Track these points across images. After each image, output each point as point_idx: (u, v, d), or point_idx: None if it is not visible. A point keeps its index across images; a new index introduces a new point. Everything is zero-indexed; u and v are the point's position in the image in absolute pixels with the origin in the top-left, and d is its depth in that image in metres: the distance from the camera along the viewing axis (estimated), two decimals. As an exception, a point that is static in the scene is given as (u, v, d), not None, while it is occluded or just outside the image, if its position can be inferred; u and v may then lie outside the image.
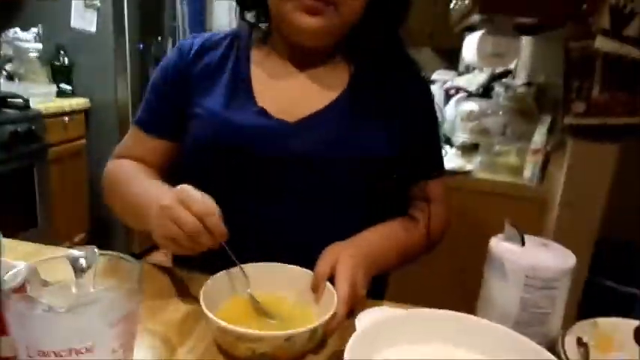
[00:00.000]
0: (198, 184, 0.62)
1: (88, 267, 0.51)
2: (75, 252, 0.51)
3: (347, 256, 0.62)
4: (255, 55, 0.77)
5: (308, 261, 0.62)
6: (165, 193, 0.60)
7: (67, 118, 2.32)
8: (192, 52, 0.77)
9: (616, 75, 1.31)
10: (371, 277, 0.65)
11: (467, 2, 1.59)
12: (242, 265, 0.61)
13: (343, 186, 0.71)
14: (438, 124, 0.85)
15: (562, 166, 1.48)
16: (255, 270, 0.62)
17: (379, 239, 0.71)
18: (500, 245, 0.56)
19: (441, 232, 0.81)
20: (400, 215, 0.77)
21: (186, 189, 0.58)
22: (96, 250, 0.51)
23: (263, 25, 0.79)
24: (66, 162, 2.36)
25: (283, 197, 0.70)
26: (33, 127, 2.07)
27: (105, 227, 2.63)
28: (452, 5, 2.01)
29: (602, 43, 1.23)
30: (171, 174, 0.79)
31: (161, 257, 2.79)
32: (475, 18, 1.60)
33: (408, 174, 0.76)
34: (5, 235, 0.72)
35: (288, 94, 0.74)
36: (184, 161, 0.77)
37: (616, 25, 1.22)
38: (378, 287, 0.76)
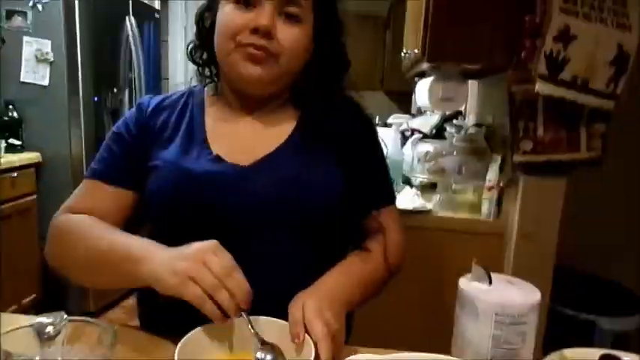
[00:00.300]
0: (160, 235, 0.64)
1: (56, 335, 0.49)
2: (42, 319, 0.49)
3: (311, 300, 0.64)
4: (209, 107, 0.83)
5: (274, 303, 0.62)
6: (168, 247, 0.60)
7: (15, 174, 2.22)
8: (151, 108, 0.82)
9: (557, 115, 1.42)
10: (342, 316, 0.66)
11: (416, 51, 1.69)
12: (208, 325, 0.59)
13: (300, 223, 0.74)
14: (383, 157, 0.89)
15: (515, 201, 1.55)
16: (224, 329, 0.60)
17: (340, 278, 0.73)
18: (469, 285, 0.58)
19: (399, 258, 0.85)
20: (356, 245, 0.81)
21: (216, 244, 0.60)
22: (65, 316, 0.49)
23: (214, 77, 0.85)
24: (14, 220, 2.25)
25: (243, 239, 0.71)
26: (-21, 185, 1.97)
27: (57, 287, 2.48)
28: (402, 54, 2.12)
29: (541, 87, 1.34)
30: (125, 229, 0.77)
31: (119, 315, 2.65)
32: (424, 66, 1.70)
33: (359, 205, 0.80)
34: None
35: (240, 138, 0.78)
36: (145, 214, 0.77)
37: (551, 70, 1.33)
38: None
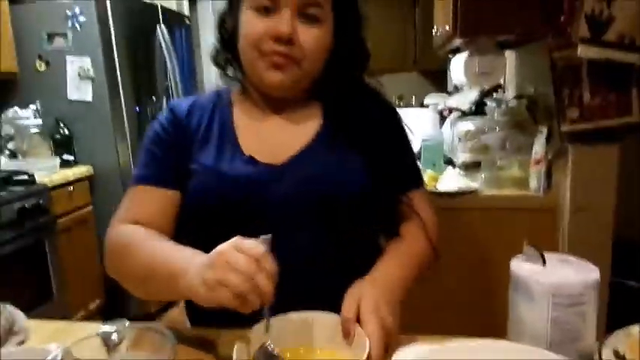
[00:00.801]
0: (201, 237, 0.66)
1: (120, 341, 0.51)
2: (106, 328, 0.51)
3: (368, 293, 0.65)
4: (236, 107, 0.85)
5: (323, 298, 0.63)
6: (204, 255, 0.60)
7: (71, 188, 2.35)
8: (184, 109, 0.84)
9: (603, 78, 1.34)
10: (397, 306, 0.67)
11: (447, 28, 1.64)
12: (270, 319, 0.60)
13: (340, 216, 0.75)
14: (408, 140, 0.89)
15: (566, 172, 1.49)
16: (281, 323, 0.61)
17: (393, 266, 0.75)
18: (522, 267, 0.56)
19: (437, 236, 0.87)
20: (390, 231, 0.83)
21: (240, 239, 0.58)
22: (127, 323, 0.52)
23: (240, 78, 0.86)
24: (74, 231, 2.38)
25: (285, 238, 0.68)
26: (40, 201, 2.09)
27: (119, 291, 2.61)
28: (434, 32, 2.07)
29: (584, 51, 1.27)
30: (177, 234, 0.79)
31: (177, 316, 2.76)
32: (457, 41, 1.65)
33: (388, 191, 0.81)
34: (23, 311, 0.72)
35: (269, 137, 0.81)
36: (185, 219, 0.79)
37: (595, 32, 1.26)
38: None
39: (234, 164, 0.77)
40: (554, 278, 0.53)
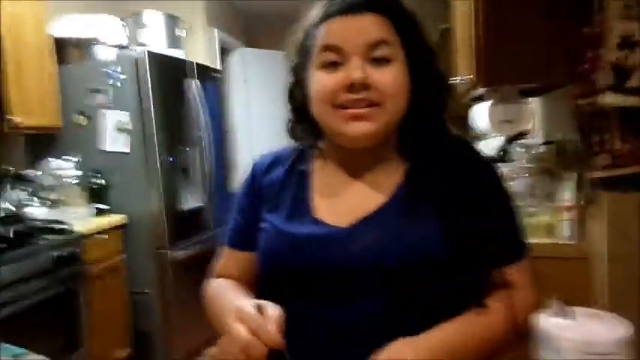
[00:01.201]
0: (272, 294, 0.67)
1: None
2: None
3: (403, 352, 0.61)
4: (316, 165, 0.82)
5: None
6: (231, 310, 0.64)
7: (105, 236, 2.42)
8: (263, 169, 0.84)
9: (632, 125, 1.33)
10: None
11: (470, 76, 1.67)
12: None
13: (406, 285, 0.69)
14: (508, 203, 0.78)
15: (600, 219, 1.44)
16: None
17: (449, 330, 0.67)
18: (549, 322, 0.55)
19: (526, 314, 0.71)
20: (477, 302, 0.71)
21: (242, 305, 0.63)
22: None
23: (318, 146, 0.82)
24: (106, 279, 2.42)
25: (348, 302, 0.70)
26: (74, 250, 2.16)
27: (146, 339, 2.62)
28: (457, 79, 2.10)
29: (609, 99, 1.26)
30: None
31: (204, 364, 2.73)
32: (480, 90, 1.67)
33: (480, 262, 0.71)
34: None
35: (343, 200, 0.77)
36: (258, 274, 0.80)
37: (618, 79, 1.26)
38: None
39: (302, 226, 0.75)
40: (585, 334, 0.51)
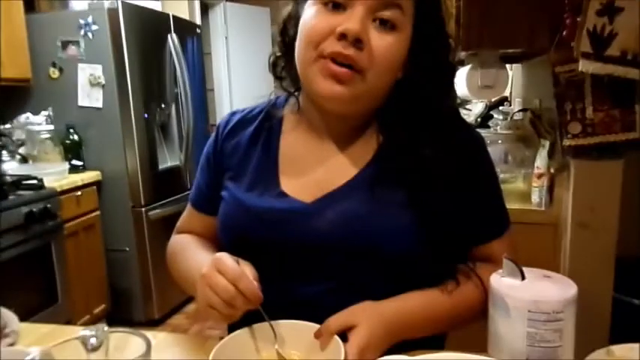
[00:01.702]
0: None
1: (99, 345, 0.52)
2: (86, 332, 0.52)
3: (366, 326, 0.60)
4: (286, 125, 0.76)
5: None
6: (206, 262, 0.63)
7: (79, 193, 2.38)
8: (226, 131, 0.79)
9: (606, 94, 1.34)
10: (386, 346, 0.62)
11: (450, 41, 1.65)
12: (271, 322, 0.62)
13: (368, 265, 0.66)
14: (494, 177, 0.75)
15: (568, 187, 1.47)
16: (262, 328, 0.63)
17: (410, 306, 0.65)
18: (500, 282, 0.56)
19: None
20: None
21: (223, 256, 0.61)
22: (105, 327, 0.53)
23: (295, 94, 0.77)
24: (81, 236, 2.41)
25: (308, 278, 0.68)
26: (48, 206, 2.13)
27: (124, 296, 2.64)
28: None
29: (585, 66, 1.26)
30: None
31: (180, 321, 2.77)
32: (460, 54, 1.66)
33: (463, 241, 0.69)
34: (28, 315, 0.74)
35: (312, 172, 0.72)
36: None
37: (597, 47, 1.25)
38: (437, 338, 0.73)
39: (263, 197, 0.71)
40: (532, 294, 0.53)
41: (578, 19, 1.28)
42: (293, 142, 0.75)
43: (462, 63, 1.94)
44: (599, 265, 1.43)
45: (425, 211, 0.65)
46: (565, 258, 1.47)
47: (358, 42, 0.60)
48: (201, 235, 0.83)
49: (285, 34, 0.72)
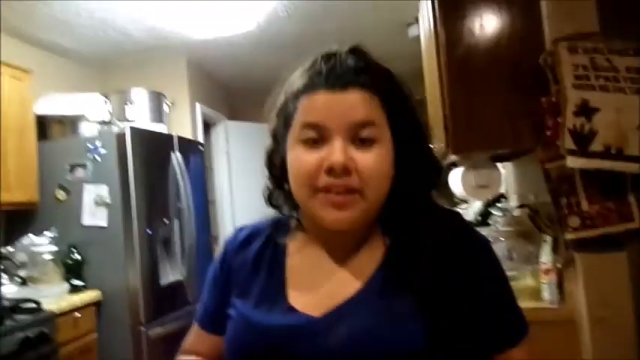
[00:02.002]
0: None
1: None
2: None
3: None
4: (292, 244, 0.76)
5: None
6: None
7: (78, 314, 2.32)
8: (234, 247, 0.79)
9: (598, 186, 1.37)
10: None
11: (442, 145, 1.73)
12: None
13: None
14: (505, 282, 0.72)
15: (577, 282, 1.44)
16: None
17: None
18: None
19: None
20: None
21: None
22: None
23: (296, 216, 0.77)
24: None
25: None
26: (44, 330, 2.06)
27: None
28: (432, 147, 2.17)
29: (572, 162, 1.32)
30: None
31: None
32: (452, 157, 1.73)
33: (483, 347, 0.66)
34: None
35: (319, 284, 0.70)
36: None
37: (580, 144, 1.32)
38: None
39: (272, 313, 0.69)
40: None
41: (559, 119, 1.37)
42: (300, 256, 0.74)
43: (455, 165, 2.01)
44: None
45: (436, 318, 0.63)
46: (587, 356, 1.39)
47: (346, 171, 0.63)
48: (206, 356, 0.80)
49: (272, 168, 0.75)
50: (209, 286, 0.81)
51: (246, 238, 0.79)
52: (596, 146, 1.34)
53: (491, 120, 1.55)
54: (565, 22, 1.42)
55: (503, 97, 1.55)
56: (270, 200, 0.77)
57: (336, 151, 0.63)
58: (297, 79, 0.69)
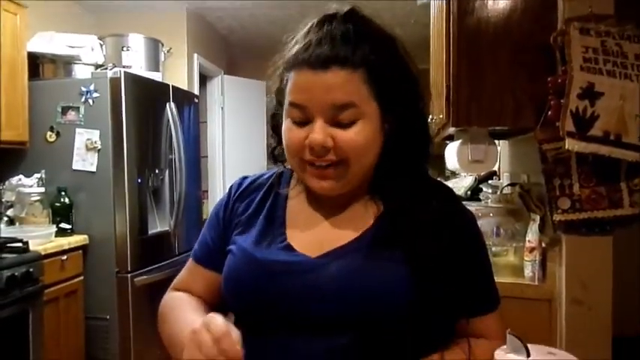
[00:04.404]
0: (237, 321, 0.67)
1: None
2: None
3: None
4: (292, 192, 0.80)
5: None
6: (198, 321, 0.62)
7: (65, 257, 2.33)
8: (239, 191, 0.83)
9: (593, 171, 1.38)
10: None
11: (441, 117, 1.72)
12: None
13: (367, 320, 0.68)
14: (485, 255, 0.79)
15: (561, 262, 1.48)
16: None
17: None
18: (505, 358, 0.55)
19: None
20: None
21: (214, 315, 0.60)
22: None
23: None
24: (61, 302, 2.32)
25: (309, 330, 0.69)
26: (30, 270, 2.06)
27: (100, 367, 2.50)
28: (429, 119, 2.16)
29: (571, 145, 1.32)
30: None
31: (160, 397, 2.61)
32: (450, 130, 1.72)
33: (453, 311, 0.71)
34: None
35: (318, 229, 0.75)
36: (222, 295, 0.78)
37: (580, 128, 1.32)
38: None
39: (270, 251, 0.74)
40: (538, 372, 0.51)
41: (562, 100, 1.36)
42: (299, 202, 0.79)
43: (452, 138, 2.01)
44: (596, 344, 1.41)
45: (420, 266, 0.68)
46: (562, 335, 1.44)
47: (325, 150, 0.68)
48: (199, 293, 0.82)
49: (275, 127, 0.79)
50: (211, 224, 0.84)
51: (251, 184, 0.84)
52: (596, 131, 1.34)
53: (494, 95, 1.54)
54: (580, 1, 1.40)
55: (509, 73, 1.53)
56: (274, 155, 0.82)
57: (317, 130, 0.68)
58: (293, 45, 0.72)
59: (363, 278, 0.68)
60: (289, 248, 0.73)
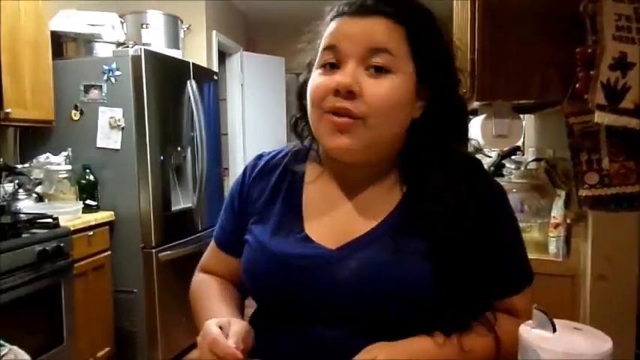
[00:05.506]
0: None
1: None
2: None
3: (385, 352, 0.62)
4: (309, 174, 0.77)
5: None
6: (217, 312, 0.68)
7: (91, 232, 2.39)
8: (253, 174, 0.81)
9: (621, 145, 1.34)
10: None
11: (464, 90, 1.68)
12: None
13: (388, 313, 0.66)
14: (516, 230, 0.75)
15: (586, 238, 1.45)
16: None
17: (427, 342, 0.65)
18: (531, 333, 0.55)
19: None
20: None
21: (209, 323, 0.65)
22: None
23: (316, 149, 0.79)
24: (90, 276, 2.40)
25: (328, 322, 0.68)
26: (61, 245, 2.13)
27: (129, 339, 2.59)
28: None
29: (600, 118, 1.28)
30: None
31: (186, 367, 2.70)
32: (475, 104, 1.69)
33: (484, 292, 0.68)
34: (33, 354, 0.73)
35: (334, 219, 0.72)
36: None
37: (611, 100, 1.27)
38: None
39: (287, 243, 0.72)
40: (564, 346, 0.51)
41: (591, 72, 1.31)
42: (316, 189, 0.76)
43: (476, 112, 1.97)
44: (620, 320, 1.39)
45: (445, 262, 0.65)
46: (585, 311, 1.43)
47: (351, 93, 0.64)
48: (224, 275, 0.84)
49: (302, 98, 0.75)
50: (227, 208, 0.83)
51: (266, 165, 0.81)
52: (627, 103, 1.29)
53: (520, 68, 1.49)
54: (613, -34, 1.33)
55: (536, 45, 1.48)
56: (295, 129, 0.79)
57: (346, 72, 0.64)
58: (332, 10, 0.70)
59: (384, 275, 0.66)
60: (307, 239, 0.71)
